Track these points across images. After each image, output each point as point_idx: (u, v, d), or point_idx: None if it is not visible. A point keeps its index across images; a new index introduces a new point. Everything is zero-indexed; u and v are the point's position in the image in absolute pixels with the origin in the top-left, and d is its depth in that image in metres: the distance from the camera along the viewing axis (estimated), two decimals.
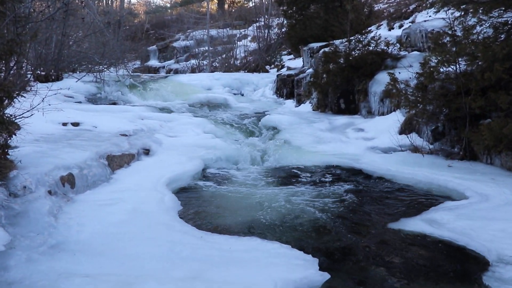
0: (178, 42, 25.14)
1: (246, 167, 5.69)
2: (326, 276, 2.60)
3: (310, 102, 9.92)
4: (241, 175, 5.24)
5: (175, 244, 2.91)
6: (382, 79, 7.43)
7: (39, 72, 9.59)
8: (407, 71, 6.27)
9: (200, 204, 4.07)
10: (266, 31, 18.34)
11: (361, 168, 5.27)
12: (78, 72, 11.17)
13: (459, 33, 5.28)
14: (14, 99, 3.33)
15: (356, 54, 8.31)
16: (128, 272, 2.54)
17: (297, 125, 7.73)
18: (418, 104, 5.66)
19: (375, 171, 5.08)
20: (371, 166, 5.24)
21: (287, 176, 5.19)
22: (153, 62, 24.41)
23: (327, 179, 4.96)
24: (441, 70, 5.43)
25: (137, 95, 10.56)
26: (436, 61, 5.42)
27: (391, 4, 15.01)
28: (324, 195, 4.34)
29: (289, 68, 13.77)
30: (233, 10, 26.23)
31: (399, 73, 6.48)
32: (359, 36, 8.52)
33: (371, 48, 8.25)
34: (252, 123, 8.16)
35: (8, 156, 3.47)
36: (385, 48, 8.23)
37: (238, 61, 18.95)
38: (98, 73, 10.63)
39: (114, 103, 9.62)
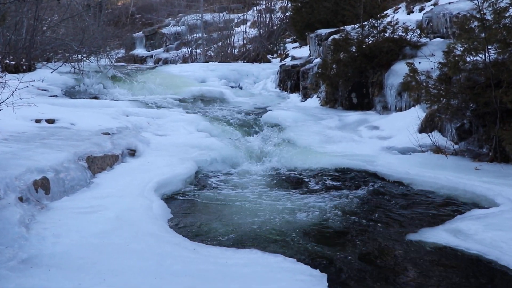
0: (168, 28, 25.17)
1: (245, 170, 5.69)
2: None
3: (317, 97, 9.91)
4: (239, 179, 5.23)
5: (165, 258, 2.90)
6: (399, 70, 7.43)
7: (8, 61, 9.59)
8: (429, 61, 6.27)
9: (193, 212, 4.07)
10: (268, 15, 18.35)
11: (375, 171, 5.27)
12: (53, 62, 11.18)
13: (488, 17, 5.27)
14: None
15: (370, 42, 8.30)
16: None
17: (302, 123, 7.72)
18: (441, 98, 5.66)
19: (392, 175, 5.08)
20: (387, 168, 5.23)
21: (291, 180, 5.19)
22: (140, 51, 24.44)
23: (336, 184, 4.96)
24: (468, 59, 5.42)
25: (122, 88, 10.55)
26: (462, 49, 5.41)
27: None
28: (333, 202, 4.34)
29: (293, 58, 13.77)
30: None
31: (419, 63, 6.47)
32: (374, 21, 8.52)
33: (387, 34, 8.24)
34: (251, 120, 8.15)
35: None
36: (403, 34, 8.23)
37: (236, 50, 18.96)
38: (76, 63, 10.63)
39: (95, 97, 9.62)
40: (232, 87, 12.60)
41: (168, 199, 4.40)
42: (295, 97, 10.98)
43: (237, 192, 4.70)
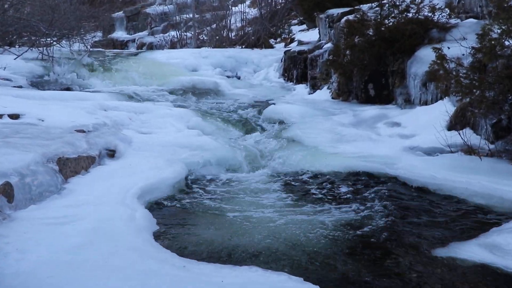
0: (153, 8, 25.18)
1: (243, 174, 5.69)
2: None
3: (328, 88, 9.91)
4: (237, 185, 5.23)
5: (150, 276, 2.90)
6: (425, 56, 7.43)
7: None
8: (460, 46, 6.26)
9: (183, 223, 4.06)
10: None
11: (396, 175, 5.27)
12: (17, 47, 11.18)
13: None
14: None
15: (391, 23, 8.30)
16: None
17: (310, 118, 7.73)
18: (474, 90, 5.65)
19: (416, 179, 5.08)
20: (409, 172, 5.23)
21: (297, 186, 5.19)
22: (120, 34, 24.46)
23: (350, 190, 4.96)
24: (507, 43, 5.41)
25: (99, 78, 10.57)
26: (499, 31, 5.40)
27: None
28: (346, 212, 4.34)
29: (300, 43, 13.78)
30: None
31: (448, 48, 6.47)
32: None
33: (410, 15, 8.24)
34: (251, 115, 8.16)
35: None
36: (430, 14, 8.22)
37: (233, 33, 18.96)
38: (44, 48, 10.63)
39: (68, 89, 9.63)
40: (228, 77, 12.61)
41: (154, 207, 4.40)
42: (302, 89, 10.99)
43: (234, 200, 4.70)
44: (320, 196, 4.86)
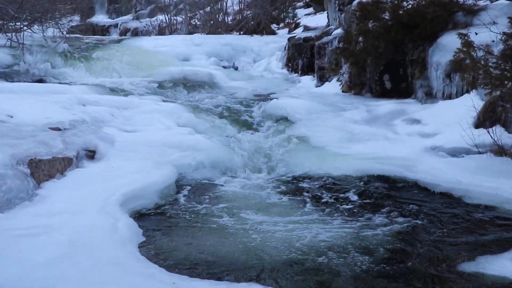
0: None
1: (241, 178, 5.68)
2: None
3: (338, 80, 9.89)
4: (234, 190, 5.22)
5: None
6: (449, 43, 7.40)
7: None
8: (489, 31, 6.25)
9: (172, 234, 4.05)
10: None
11: (416, 180, 5.26)
12: None
13: None
14: None
15: (410, 6, 8.28)
16: None
17: (318, 115, 7.68)
18: (506, 82, 5.64)
19: (438, 184, 5.07)
20: (431, 176, 5.21)
21: (302, 192, 5.18)
22: (100, 18, 24.46)
23: (363, 197, 4.95)
24: None
25: (76, 69, 10.52)
26: None
27: None
28: (359, 222, 4.33)
29: (306, 28, 13.77)
30: None
31: (476, 34, 6.46)
32: None
33: None
34: (250, 111, 8.13)
35: None
36: None
37: (230, 18, 18.94)
38: (14, 34, 10.60)
39: (41, 80, 9.59)
40: (224, 67, 12.56)
41: (139, 216, 4.38)
42: (308, 81, 10.95)
43: (231, 208, 4.68)
44: (328, 204, 4.85)
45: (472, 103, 6.47)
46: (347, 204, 4.80)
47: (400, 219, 4.36)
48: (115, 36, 20.36)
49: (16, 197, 4.19)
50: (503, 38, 5.75)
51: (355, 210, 4.63)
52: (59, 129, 5.73)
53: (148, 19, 22.32)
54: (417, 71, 8.24)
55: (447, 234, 4.07)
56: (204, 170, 5.67)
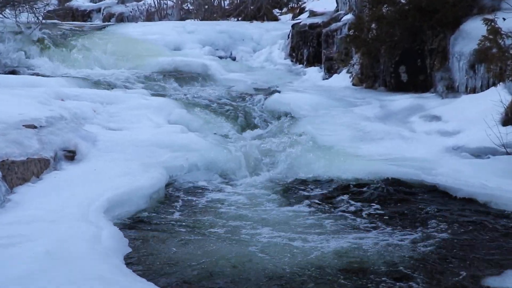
0: None
1: (239, 181, 5.68)
2: None
3: (348, 72, 9.88)
4: (230, 196, 5.20)
5: None
6: (473, 30, 7.40)
7: None
8: None
9: (162, 244, 4.03)
10: None
11: (435, 183, 5.24)
12: None
13: None
14: None
15: None
16: None
17: (326, 111, 7.68)
18: None
19: (460, 189, 5.05)
20: (453, 179, 5.20)
21: (307, 198, 5.16)
22: (81, 2, 24.41)
23: (376, 203, 4.93)
24: None
25: (54, 59, 10.50)
26: None
27: None
28: (372, 232, 4.31)
29: (313, 14, 13.74)
30: None
31: (504, 19, 6.40)
32: None
33: None
34: (250, 107, 8.12)
35: None
36: None
37: (227, 2, 18.93)
38: None
39: (14, 72, 9.57)
40: (220, 57, 12.56)
41: (125, 224, 4.36)
42: (314, 73, 10.95)
43: (228, 216, 4.66)
44: (337, 211, 4.82)
45: (499, 97, 6.45)
46: (358, 212, 4.77)
47: (418, 229, 4.33)
48: (97, 22, 20.29)
49: None
50: None
51: (367, 219, 4.60)
52: (34, 127, 5.70)
53: (134, 3, 22.27)
54: (437, 62, 8.22)
55: (470, 244, 4.04)
56: (198, 172, 5.67)
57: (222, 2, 18.62)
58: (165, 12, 20.04)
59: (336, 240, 4.09)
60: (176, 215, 4.66)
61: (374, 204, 4.92)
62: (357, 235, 4.22)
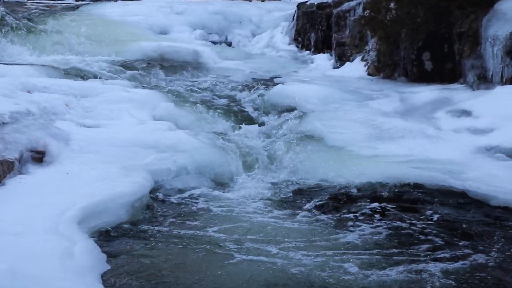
0: None
1: (235, 186, 5.70)
2: None
3: (363, 59, 9.88)
4: (225, 204, 5.21)
5: None
6: (510, 10, 7.41)
7: None
8: None
9: (145, 260, 4.03)
10: None
11: (465, 190, 5.25)
12: None
13: None
14: None
15: None
16: None
17: (337, 105, 7.69)
18: None
19: (495, 196, 5.06)
20: (485, 185, 5.21)
21: (315, 206, 5.16)
22: None
23: (396, 212, 4.93)
24: None
25: (19, 44, 10.52)
26: None
27: None
28: (392, 247, 4.30)
29: None
30: None
31: None
32: None
33: None
34: (248, 100, 8.13)
35: None
36: None
37: None
38: None
39: None
40: (214, 42, 12.58)
41: (102, 238, 4.37)
42: (323, 61, 10.96)
43: (220, 227, 4.66)
44: (350, 221, 4.81)
45: None
46: (374, 221, 4.77)
47: (445, 240, 4.33)
48: (70, 1, 20.30)
49: None
50: None
51: (386, 233, 4.56)
52: None
53: None
54: (467, 48, 8.20)
55: (507, 260, 4.04)
56: (188, 177, 5.68)
57: None
58: None
59: (350, 256, 4.08)
60: (162, 227, 4.65)
61: (393, 214, 4.92)
62: (369, 247, 4.22)
